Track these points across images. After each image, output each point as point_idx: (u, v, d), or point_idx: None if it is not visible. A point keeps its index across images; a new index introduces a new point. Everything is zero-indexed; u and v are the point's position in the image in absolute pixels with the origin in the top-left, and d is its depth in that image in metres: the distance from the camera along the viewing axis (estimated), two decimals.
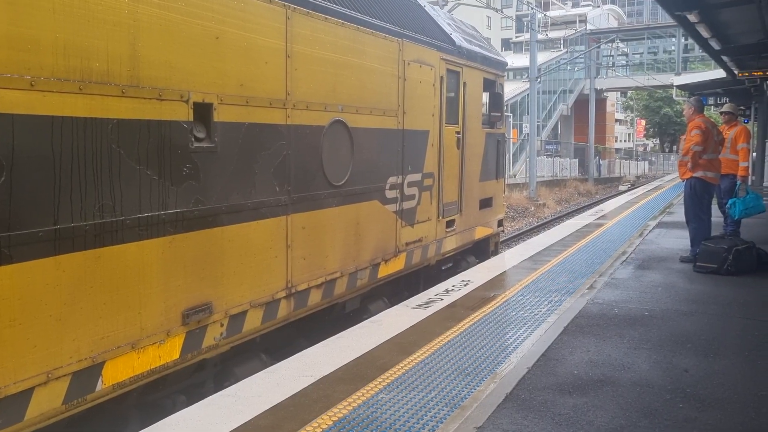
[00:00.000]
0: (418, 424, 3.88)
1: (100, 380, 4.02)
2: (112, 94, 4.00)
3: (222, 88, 4.86)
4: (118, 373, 4.14)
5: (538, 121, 37.92)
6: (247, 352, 5.58)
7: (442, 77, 8.61)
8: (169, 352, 4.53)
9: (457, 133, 9.23)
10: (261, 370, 5.03)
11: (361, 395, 4.32)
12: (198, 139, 4.69)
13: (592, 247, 10.28)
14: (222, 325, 4.99)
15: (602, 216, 15.12)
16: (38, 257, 3.61)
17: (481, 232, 10.46)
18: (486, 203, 10.55)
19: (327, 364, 4.90)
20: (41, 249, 3.63)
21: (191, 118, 4.60)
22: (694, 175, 8.93)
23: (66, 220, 3.75)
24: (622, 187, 42.27)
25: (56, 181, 3.70)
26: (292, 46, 5.61)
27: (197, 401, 4.30)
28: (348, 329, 5.87)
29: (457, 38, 9.31)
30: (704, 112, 9.35)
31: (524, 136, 39.24)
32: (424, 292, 7.42)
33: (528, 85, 34.86)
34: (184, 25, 4.52)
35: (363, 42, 6.73)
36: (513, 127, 38.00)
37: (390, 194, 7.43)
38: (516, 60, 44.35)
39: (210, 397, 4.35)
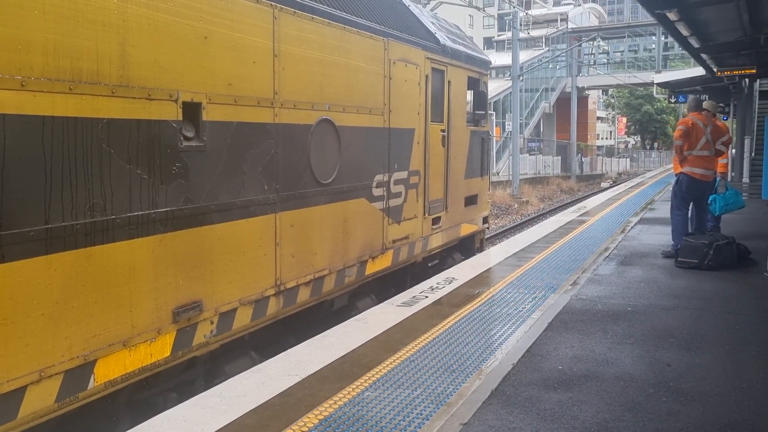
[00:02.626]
0: (404, 421, 3.91)
1: (92, 378, 4.04)
2: (102, 94, 4.01)
3: (211, 88, 4.89)
4: (109, 371, 4.16)
5: (520, 119, 38.14)
6: (237, 349, 5.61)
7: (427, 76, 8.67)
8: (160, 349, 4.55)
9: (443, 131, 9.29)
10: (251, 367, 5.06)
11: (346, 393, 4.33)
12: (187, 138, 4.71)
13: (575, 244, 10.39)
14: (212, 323, 5.02)
15: (585, 213, 15.24)
16: (30, 256, 3.63)
17: (466, 229, 10.54)
18: (471, 200, 10.63)
19: (312, 363, 4.91)
20: (33, 248, 3.64)
21: (180, 118, 4.62)
22: (682, 170, 9.16)
23: (57, 219, 3.76)
24: (604, 184, 42.55)
25: (47, 181, 3.71)
26: (279, 45, 5.64)
27: (188, 399, 4.33)
28: (333, 327, 5.90)
29: (442, 37, 9.37)
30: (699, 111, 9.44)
31: (507, 134, 39.40)
32: (410, 289, 7.47)
33: (510, 84, 34.97)
34: (173, 25, 4.53)
35: (349, 41, 6.77)
36: (496, 125, 38.08)
37: (377, 192, 7.48)
38: (498, 58, 44.38)
39: (195, 397, 4.35)
